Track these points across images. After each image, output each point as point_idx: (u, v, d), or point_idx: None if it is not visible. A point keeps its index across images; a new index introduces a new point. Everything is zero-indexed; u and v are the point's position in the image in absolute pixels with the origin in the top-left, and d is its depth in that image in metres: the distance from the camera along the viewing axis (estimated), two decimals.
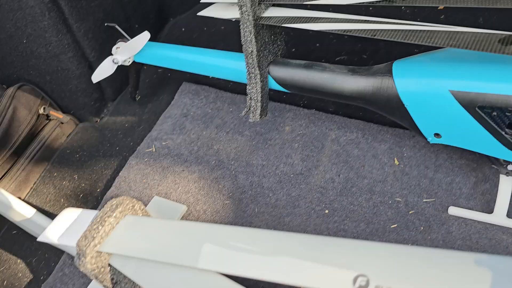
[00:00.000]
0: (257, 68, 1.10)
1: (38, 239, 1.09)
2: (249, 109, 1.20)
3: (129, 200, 0.94)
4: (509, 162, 1.11)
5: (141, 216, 0.93)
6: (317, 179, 1.31)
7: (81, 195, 1.42)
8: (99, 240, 0.88)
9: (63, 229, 1.02)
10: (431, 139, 1.12)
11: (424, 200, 1.20)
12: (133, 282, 0.96)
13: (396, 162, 1.31)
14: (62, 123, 1.58)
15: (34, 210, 1.19)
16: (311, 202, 1.26)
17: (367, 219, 1.20)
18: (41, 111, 1.54)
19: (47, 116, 1.56)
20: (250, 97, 1.18)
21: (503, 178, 1.06)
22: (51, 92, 1.59)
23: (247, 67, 1.14)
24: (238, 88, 1.56)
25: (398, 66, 1.03)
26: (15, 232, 1.38)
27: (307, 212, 1.24)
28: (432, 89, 0.96)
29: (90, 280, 1.20)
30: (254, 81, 1.14)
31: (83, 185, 1.46)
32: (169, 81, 1.70)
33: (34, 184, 1.48)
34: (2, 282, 1.27)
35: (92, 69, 1.53)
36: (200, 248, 0.80)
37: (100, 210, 0.93)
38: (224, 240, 0.80)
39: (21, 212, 1.18)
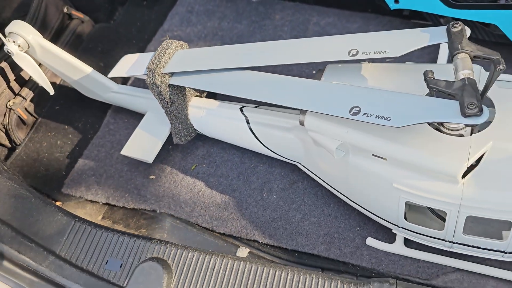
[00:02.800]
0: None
1: (109, 76, 1.43)
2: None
3: (178, 42, 1.27)
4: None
5: (189, 49, 1.27)
6: None
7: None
8: (163, 64, 1.21)
9: (127, 67, 1.34)
10: (392, 5, 1.49)
11: None
12: (185, 103, 1.31)
13: None
14: (82, 22, 1.84)
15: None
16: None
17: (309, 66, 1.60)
18: (65, 10, 1.79)
19: (70, 15, 1.82)
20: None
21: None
22: None
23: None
24: None
25: None
26: (57, 107, 1.66)
27: (299, 73, 1.61)
28: None
29: (132, 131, 1.53)
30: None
31: (109, 69, 1.73)
32: None
33: None
34: (56, 142, 1.57)
35: None
36: (236, 55, 1.17)
37: (157, 49, 1.25)
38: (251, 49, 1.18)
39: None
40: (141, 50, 1.78)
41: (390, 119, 0.87)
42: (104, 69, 1.74)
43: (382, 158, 0.99)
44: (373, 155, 1.00)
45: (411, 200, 0.99)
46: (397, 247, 1.18)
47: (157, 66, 1.21)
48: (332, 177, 1.17)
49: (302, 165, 1.26)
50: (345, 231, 1.25)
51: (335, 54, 1.04)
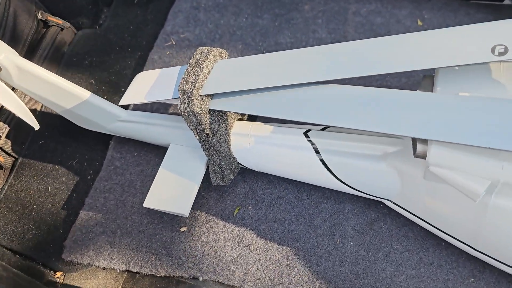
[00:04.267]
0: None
1: (120, 103, 1.06)
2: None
3: (216, 49, 0.92)
4: None
5: (233, 59, 0.92)
6: None
7: (104, 97, 1.35)
8: (201, 84, 0.86)
9: (145, 89, 0.98)
10: None
11: None
12: (227, 131, 0.96)
13: (420, 23, 1.37)
14: (62, 29, 1.46)
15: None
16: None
17: (406, 74, 1.27)
18: (39, 16, 1.41)
19: (45, 22, 1.44)
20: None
21: None
22: None
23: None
24: None
25: None
26: (41, 142, 1.29)
27: (367, 83, 1.28)
28: None
29: (148, 167, 1.18)
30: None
31: (103, 88, 1.38)
32: None
33: None
34: (46, 188, 1.20)
35: None
36: (293, 68, 0.84)
37: (189, 61, 0.90)
38: (302, 57, 0.86)
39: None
40: (141, 60, 1.42)
41: None
42: (97, 88, 1.38)
43: None
44: None
45: None
46: None
47: (194, 87, 0.86)
48: (449, 220, 0.85)
49: (393, 203, 0.95)
50: (457, 284, 0.94)
51: (471, 53, 0.72)
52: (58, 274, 1.08)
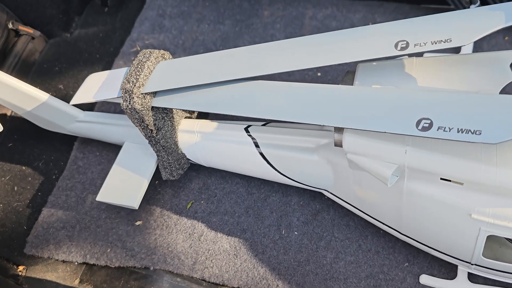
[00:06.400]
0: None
1: (71, 103, 1.12)
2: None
3: (158, 51, 0.98)
4: (471, 2, 1.27)
5: (174, 59, 0.98)
6: None
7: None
8: (142, 83, 0.93)
9: (94, 89, 1.04)
10: None
11: None
12: (173, 128, 1.02)
13: None
14: (33, 38, 1.53)
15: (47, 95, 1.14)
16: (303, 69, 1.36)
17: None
18: (10, 25, 1.48)
19: (16, 31, 1.51)
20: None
21: None
22: (15, 7, 1.52)
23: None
24: None
25: None
26: (11, 144, 1.35)
27: (301, 77, 1.35)
28: None
29: (108, 166, 1.23)
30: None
31: (71, 92, 1.44)
32: None
33: None
34: (13, 188, 1.26)
35: None
36: (235, 62, 0.90)
37: (132, 62, 0.96)
38: (253, 53, 0.92)
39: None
40: (108, 65, 1.48)
41: (480, 133, 0.62)
42: (65, 93, 1.44)
43: (455, 182, 0.74)
44: (441, 179, 0.75)
45: (496, 233, 0.75)
46: (461, 284, 0.94)
47: (134, 86, 0.92)
48: (375, 207, 0.91)
49: (330, 193, 1.00)
50: (392, 269, 0.99)
51: (377, 49, 0.78)
52: (21, 268, 1.13)
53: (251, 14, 1.52)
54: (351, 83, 0.86)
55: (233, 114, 0.88)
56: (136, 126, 0.97)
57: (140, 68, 0.94)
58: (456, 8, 1.30)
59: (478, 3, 1.27)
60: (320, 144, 0.93)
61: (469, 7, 1.28)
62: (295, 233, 1.07)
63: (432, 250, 0.89)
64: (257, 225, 1.09)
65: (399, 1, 1.47)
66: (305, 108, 0.80)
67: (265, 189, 1.14)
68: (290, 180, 1.01)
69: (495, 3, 1.26)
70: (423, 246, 0.89)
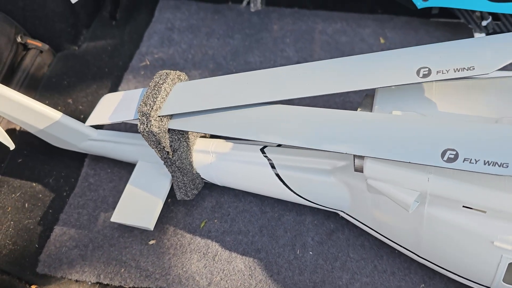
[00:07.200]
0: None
1: (87, 123, 1.12)
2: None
3: (174, 72, 0.98)
4: (483, 18, 1.28)
5: (190, 81, 0.98)
6: None
7: (81, 116, 1.41)
8: (159, 105, 0.92)
9: (109, 110, 1.04)
10: (419, 4, 1.25)
11: None
12: (189, 149, 1.02)
13: (382, 40, 1.44)
14: (41, 52, 1.53)
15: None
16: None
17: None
18: (18, 39, 1.47)
19: (25, 45, 1.50)
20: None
21: None
22: (24, 21, 1.52)
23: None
24: None
25: None
26: (20, 160, 1.34)
27: (326, 103, 1.34)
28: None
29: (120, 183, 1.23)
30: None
31: (80, 107, 1.44)
32: (142, 1, 1.68)
33: None
34: (23, 205, 1.25)
35: None
36: (248, 89, 0.90)
37: (149, 84, 0.96)
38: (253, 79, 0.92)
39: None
40: (117, 80, 1.48)
41: (508, 166, 0.62)
42: (75, 107, 1.43)
43: (477, 210, 0.74)
44: (464, 206, 0.75)
45: None
46: None
47: (152, 108, 0.92)
48: (394, 230, 0.91)
49: (346, 214, 1.00)
50: None
51: (399, 75, 0.78)
52: (33, 287, 1.13)
53: (261, 28, 1.52)
54: (370, 107, 0.86)
55: (251, 139, 0.87)
56: (152, 148, 0.97)
57: (157, 90, 0.94)
58: (467, 22, 1.30)
59: (490, 19, 1.28)
60: (337, 166, 0.93)
61: (480, 22, 1.29)
62: (310, 253, 1.07)
63: (451, 273, 0.88)
64: (272, 245, 1.09)
65: (409, 15, 1.47)
66: (327, 135, 0.80)
67: (278, 208, 1.14)
68: (306, 201, 1.01)
69: (507, 18, 1.26)
70: (442, 269, 0.89)
